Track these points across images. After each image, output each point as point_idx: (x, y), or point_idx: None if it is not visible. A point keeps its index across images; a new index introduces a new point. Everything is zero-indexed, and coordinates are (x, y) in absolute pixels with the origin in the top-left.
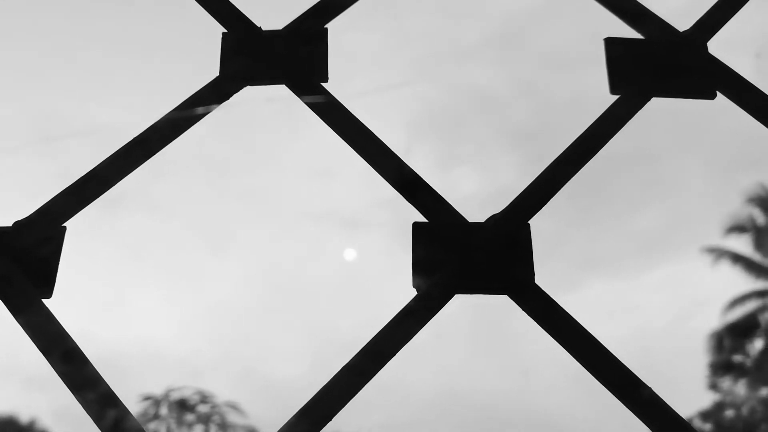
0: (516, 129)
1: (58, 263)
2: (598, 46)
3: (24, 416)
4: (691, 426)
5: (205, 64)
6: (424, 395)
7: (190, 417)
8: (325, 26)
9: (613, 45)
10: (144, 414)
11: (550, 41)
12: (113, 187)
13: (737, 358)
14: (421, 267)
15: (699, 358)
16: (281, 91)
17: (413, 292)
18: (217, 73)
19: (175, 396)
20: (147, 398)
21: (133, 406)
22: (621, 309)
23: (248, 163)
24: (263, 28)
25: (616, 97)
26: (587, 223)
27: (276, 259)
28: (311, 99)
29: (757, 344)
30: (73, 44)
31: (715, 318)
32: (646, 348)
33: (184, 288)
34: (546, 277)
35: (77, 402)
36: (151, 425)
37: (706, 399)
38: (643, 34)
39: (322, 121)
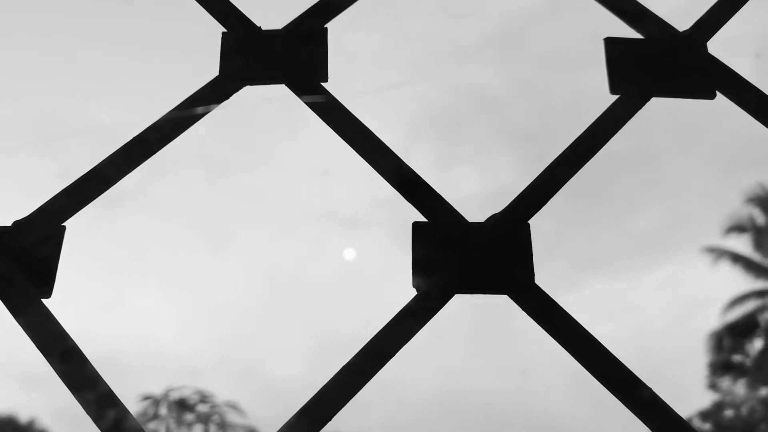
0: (516, 129)
1: (57, 263)
2: (598, 46)
3: (23, 416)
4: (691, 426)
5: (204, 64)
6: (424, 395)
7: (189, 417)
8: (325, 26)
9: (612, 45)
10: (143, 413)
11: (550, 41)
12: (113, 187)
13: (737, 357)
14: (420, 267)
15: (698, 358)
16: (281, 90)
17: (413, 292)
18: (217, 73)
19: (175, 396)
20: (146, 398)
21: (133, 405)
22: (621, 309)
23: (248, 163)
24: (263, 28)
25: (615, 97)
26: (587, 223)
27: (276, 258)
28: (311, 99)
29: (756, 344)
30: (73, 44)
31: (714, 318)
32: (646, 348)
33: (183, 287)
34: (546, 277)
35: (77, 401)
36: (151, 425)
37: (706, 399)
38: (642, 34)
39: (321, 120)
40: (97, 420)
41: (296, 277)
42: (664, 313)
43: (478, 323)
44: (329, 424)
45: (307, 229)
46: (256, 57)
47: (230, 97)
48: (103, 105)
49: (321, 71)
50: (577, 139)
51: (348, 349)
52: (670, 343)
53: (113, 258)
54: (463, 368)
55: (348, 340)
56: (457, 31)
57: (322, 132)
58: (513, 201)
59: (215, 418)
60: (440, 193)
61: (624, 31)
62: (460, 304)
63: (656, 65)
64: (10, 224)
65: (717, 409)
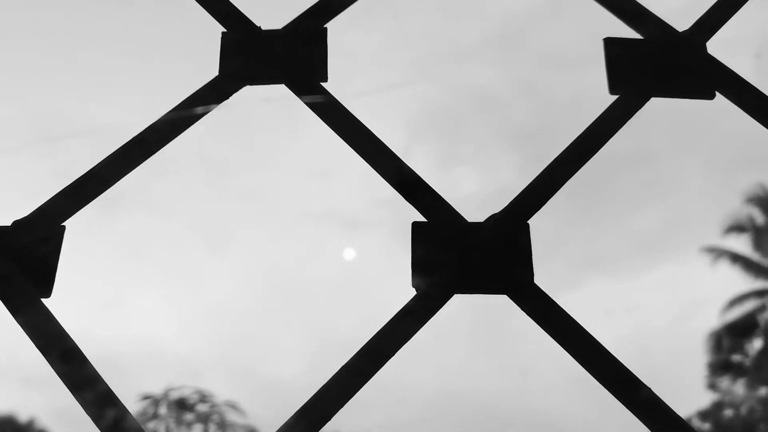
0: (516, 129)
1: (57, 263)
2: (597, 46)
3: (23, 415)
4: (690, 426)
5: (204, 64)
6: (424, 395)
7: (189, 416)
8: (325, 26)
9: (612, 45)
10: (143, 413)
11: (550, 41)
12: (112, 187)
13: (736, 357)
14: (420, 267)
15: (698, 358)
16: (281, 90)
17: (413, 292)
18: (217, 73)
19: (175, 395)
20: (146, 397)
21: (133, 405)
22: (620, 309)
23: (248, 163)
24: (263, 28)
25: (615, 97)
26: (587, 223)
27: (276, 258)
28: (311, 99)
29: (755, 344)
30: (73, 44)
31: (714, 318)
32: (646, 348)
33: (183, 287)
34: (546, 277)
35: (76, 401)
36: (151, 424)
37: (705, 398)
38: (642, 34)
39: (321, 120)
40: (96, 420)
41: (296, 277)
42: (664, 313)
43: (478, 323)
44: (328, 424)
45: (307, 229)
46: (255, 57)
47: (230, 97)
48: (103, 105)
49: (321, 71)
50: (576, 139)
51: (347, 349)
52: (670, 343)
53: (113, 258)
54: (463, 368)
55: (347, 340)
56: (457, 31)
57: (321, 132)
58: (512, 201)
59: (215, 417)
60: (440, 194)
61: (623, 31)
62: (459, 304)
63: (656, 65)
64: (9, 224)
65: (716, 408)
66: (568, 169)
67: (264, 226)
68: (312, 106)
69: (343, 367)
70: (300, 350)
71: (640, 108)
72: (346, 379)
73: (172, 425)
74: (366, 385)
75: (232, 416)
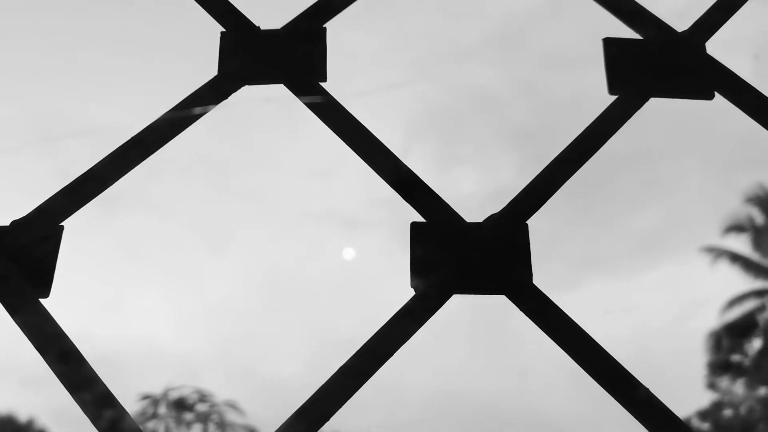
0: (515, 129)
1: (55, 263)
2: (597, 46)
3: (22, 415)
4: (687, 426)
5: (204, 64)
6: (423, 395)
7: (188, 416)
8: (324, 26)
9: (611, 45)
10: (142, 413)
11: (550, 41)
12: (111, 187)
13: (735, 357)
14: (419, 267)
15: (698, 358)
16: (280, 90)
17: (412, 292)
18: (216, 73)
19: (174, 395)
20: (145, 397)
21: (132, 405)
22: (619, 309)
23: (247, 163)
24: (262, 28)
25: (614, 97)
26: (586, 223)
27: (275, 258)
28: (310, 99)
29: (755, 344)
30: (73, 44)
31: (713, 318)
32: (645, 348)
33: (182, 287)
34: (544, 277)
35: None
36: (150, 424)
37: (705, 398)
38: (641, 35)
39: (320, 120)
40: (94, 420)
41: (295, 276)
42: (663, 313)
43: (477, 323)
44: (328, 424)
45: (307, 229)
46: (254, 57)
47: (229, 97)
48: (102, 105)
49: (320, 71)
50: (575, 139)
51: (347, 349)
52: (670, 343)
53: (112, 257)
54: (462, 368)
55: (347, 340)
56: (457, 31)
57: (321, 132)
58: (511, 201)
59: (214, 417)
60: (438, 194)
61: (623, 31)
62: (458, 305)
63: (655, 65)
64: (8, 224)
65: (716, 408)
66: (568, 169)
67: (263, 226)
68: (311, 106)
69: (341, 368)
70: (299, 350)
71: (639, 108)
72: (345, 380)
73: (172, 425)
74: (365, 385)
75: (231, 416)
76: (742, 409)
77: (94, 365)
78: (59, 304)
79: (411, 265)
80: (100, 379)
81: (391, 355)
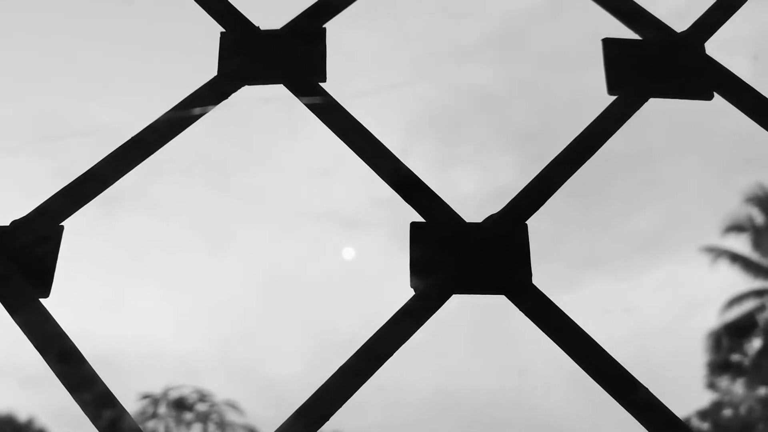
0: (515, 129)
1: (55, 263)
2: (597, 46)
3: (22, 415)
4: (688, 426)
5: (203, 64)
6: (422, 395)
7: (188, 416)
8: (324, 26)
9: (611, 45)
10: (142, 413)
11: (550, 41)
12: (112, 187)
13: (735, 357)
14: (418, 267)
15: (697, 358)
16: (279, 90)
17: (412, 292)
18: (215, 73)
19: (174, 395)
20: (145, 397)
21: (132, 404)
22: (619, 309)
23: (247, 163)
24: (261, 28)
25: (614, 97)
26: (585, 223)
27: (275, 258)
28: (309, 99)
29: (755, 343)
30: (73, 44)
31: (713, 317)
32: (645, 347)
33: (183, 287)
34: (544, 277)
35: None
36: (150, 424)
37: (705, 398)
38: (640, 35)
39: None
40: (94, 420)
41: (295, 276)
42: (663, 313)
43: (476, 323)
44: (327, 424)
45: (306, 229)
46: (254, 57)
47: (229, 97)
48: (103, 105)
49: (319, 71)
50: (575, 139)
51: (347, 349)
52: (669, 343)
53: (112, 257)
54: (461, 368)
55: (347, 340)
56: (457, 31)
57: (321, 132)
58: (511, 201)
59: (214, 417)
60: (438, 194)
61: (622, 31)
62: (458, 305)
63: (654, 66)
64: (8, 224)
65: (716, 408)
66: (567, 169)
67: (263, 225)
68: (311, 107)
69: (341, 368)
70: (299, 350)
71: (638, 108)
72: (345, 380)
73: (172, 424)
74: (365, 385)
75: (231, 416)
76: (742, 409)
77: (94, 365)
78: (59, 304)
79: (411, 265)
80: (100, 379)
81: (391, 355)
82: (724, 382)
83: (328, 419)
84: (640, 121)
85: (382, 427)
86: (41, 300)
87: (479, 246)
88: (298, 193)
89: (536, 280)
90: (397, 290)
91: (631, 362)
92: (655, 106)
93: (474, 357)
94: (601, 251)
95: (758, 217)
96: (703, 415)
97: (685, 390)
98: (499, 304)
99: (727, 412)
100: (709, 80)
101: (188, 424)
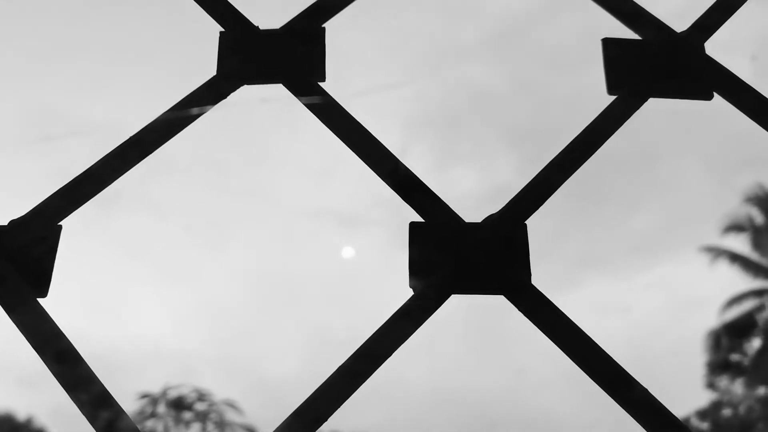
0: (514, 129)
1: (53, 262)
2: (597, 46)
3: (21, 414)
4: (686, 426)
5: (202, 64)
6: (421, 394)
7: (187, 415)
8: (323, 26)
9: (610, 46)
10: (141, 412)
11: (550, 41)
12: (110, 186)
13: (735, 357)
14: (417, 267)
15: (697, 357)
16: (279, 90)
17: (411, 291)
18: (215, 73)
19: (173, 394)
20: (144, 396)
21: (131, 404)
22: (619, 309)
23: (246, 162)
24: (261, 28)
25: (614, 97)
26: (585, 223)
27: (274, 257)
28: (308, 99)
29: (754, 343)
30: (73, 44)
31: (712, 317)
32: (645, 347)
33: (181, 286)
34: (543, 277)
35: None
36: (149, 423)
37: (704, 398)
38: (640, 35)
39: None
40: (91, 420)
41: (294, 275)
42: (663, 313)
43: (476, 323)
44: (325, 424)
45: (306, 228)
46: (253, 57)
47: (228, 97)
48: (102, 105)
49: (319, 71)
50: (574, 139)
51: (346, 347)
52: (669, 343)
53: (110, 257)
54: (460, 368)
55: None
56: (457, 31)
57: (320, 131)
58: (510, 201)
59: (213, 416)
60: (437, 194)
61: (622, 32)
62: (457, 305)
63: (654, 66)
64: (6, 224)
65: (715, 408)
66: (566, 169)
67: (262, 225)
68: (310, 106)
69: (339, 368)
70: (299, 349)
71: (638, 108)
72: (343, 380)
73: (171, 424)
74: (363, 385)
75: (230, 415)
76: (741, 409)
77: (92, 364)
78: (57, 303)
79: (409, 265)
80: (97, 379)
81: (390, 355)
82: (723, 381)
83: (326, 420)
84: (639, 121)
85: (382, 427)
86: (39, 300)
87: (478, 246)
88: (297, 193)
89: (535, 280)
90: (397, 288)
91: (629, 362)
92: (654, 106)
93: (473, 356)
94: (601, 251)
95: (758, 217)
96: (702, 414)
97: (684, 389)
98: (498, 304)
99: (727, 412)
100: (709, 80)
101: (187, 423)
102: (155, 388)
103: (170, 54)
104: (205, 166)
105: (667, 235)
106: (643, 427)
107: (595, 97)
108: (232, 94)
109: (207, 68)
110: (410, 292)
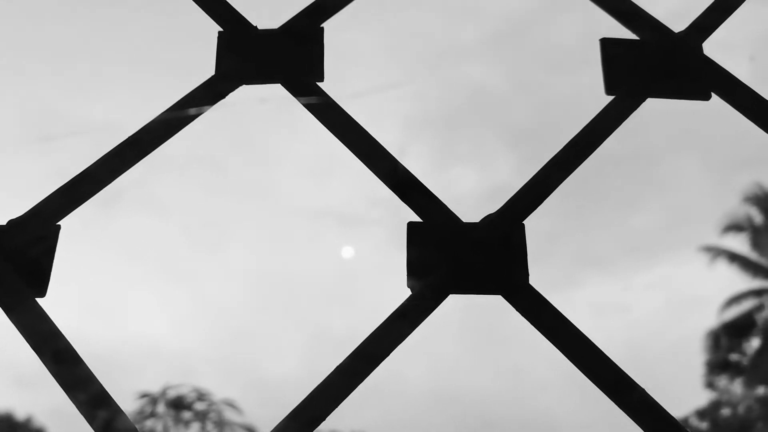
0: (513, 128)
1: (52, 262)
2: (595, 46)
3: (20, 414)
4: (683, 426)
5: (201, 63)
6: (418, 394)
7: (186, 415)
8: (321, 25)
9: (608, 46)
10: (141, 412)
11: (549, 41)
12: (109, 186)
13: (734, 356)
14: (415, 267)
15: (696, 357)
16: (277, 90)
17: (409, 291)
18: (213, 73)
19: (172, 394)
20: (144, 396)
21: (130, 403)
22: (617, 308)
23: (244, 162)
24: (259, 28)
25: (611, 97)
26: (583, 223)
27: (273, 257)
28: (307, 99)
29: (753, 343)
30: (72, 44)
31: (712, 317)
32: (643, 347)
33: (181, 286)
34: (541, 277)
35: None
36: (148, 423)
37: (703, 397)
38: (638, 35)
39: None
40: (90, 420)
41: (293, 275)
42: (662, 313)
43: (473, 323)
44: (323, 423)
45: (305, 228)
46: (251, 57)
47: (226, 97)
48: (101, 105)
49: (317, 71)
50: (572, 139)
51: (345, 347)
52: (668, 342)
53: (109, 257)
54: (458, 367)
55: (345, 338)
56: (456, 31)
57: (319, 131)
58: (508, 201)
59: (212, 416)
60: (435, 194)
61: (620, 32)
62: (454, 304)
63: (652, 66)
64: (4, 223)
65: (714, 408)
66: (564, 169)
67: (261, 224)
68: (308, 107)
69: (337, 368)
70: (298, 348)
71: (636, 108)
72: (341, 380)
73: (170, 423)
74: (361, 385)
75: (229, 414)
76: (741, 409)
77: (92, 364)
78: (55, 303)
79: (407, 265)
80: (95, 379)
81: (387, 355)
82: (722, 381)
83: (323, 420)
84: (637, 121)
85: (380, 426)
86: (37, 299)
87: (476, 246)
88: (296, 193)
89: (533, 281)
90: (396, 288)
91: (628, 362)
92: (652, 106)
93: (470, 356)
94: (599, 251)
95: (757, 217)
96: (701, 414)
97: (683, 389)
98: (496, 304)
99: (726, 412)
100: (707, 80)
101: (186, 423)
102: (154, 388)
103: (168, 54)
104: (204, 166)
105: (666, 235)
106: (641, 428)
107: (593, 97)
108: (230, 94)
109: (205, 68)
110: (408, 292)
